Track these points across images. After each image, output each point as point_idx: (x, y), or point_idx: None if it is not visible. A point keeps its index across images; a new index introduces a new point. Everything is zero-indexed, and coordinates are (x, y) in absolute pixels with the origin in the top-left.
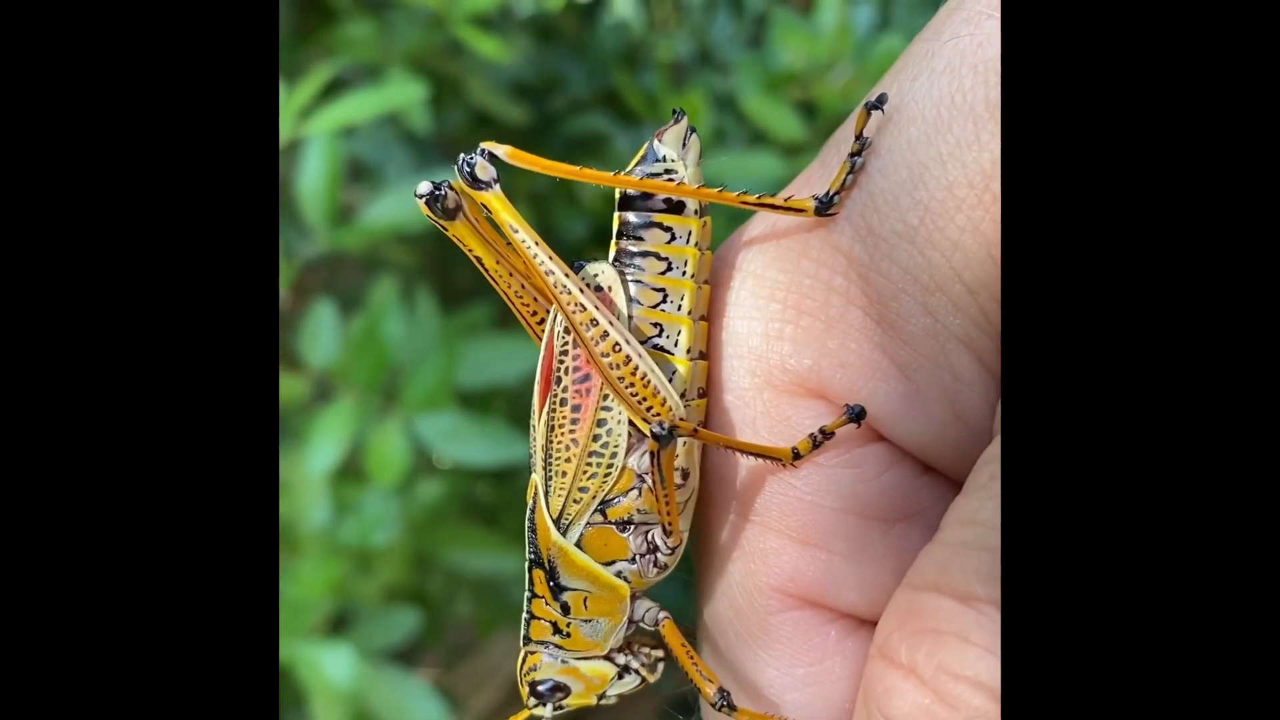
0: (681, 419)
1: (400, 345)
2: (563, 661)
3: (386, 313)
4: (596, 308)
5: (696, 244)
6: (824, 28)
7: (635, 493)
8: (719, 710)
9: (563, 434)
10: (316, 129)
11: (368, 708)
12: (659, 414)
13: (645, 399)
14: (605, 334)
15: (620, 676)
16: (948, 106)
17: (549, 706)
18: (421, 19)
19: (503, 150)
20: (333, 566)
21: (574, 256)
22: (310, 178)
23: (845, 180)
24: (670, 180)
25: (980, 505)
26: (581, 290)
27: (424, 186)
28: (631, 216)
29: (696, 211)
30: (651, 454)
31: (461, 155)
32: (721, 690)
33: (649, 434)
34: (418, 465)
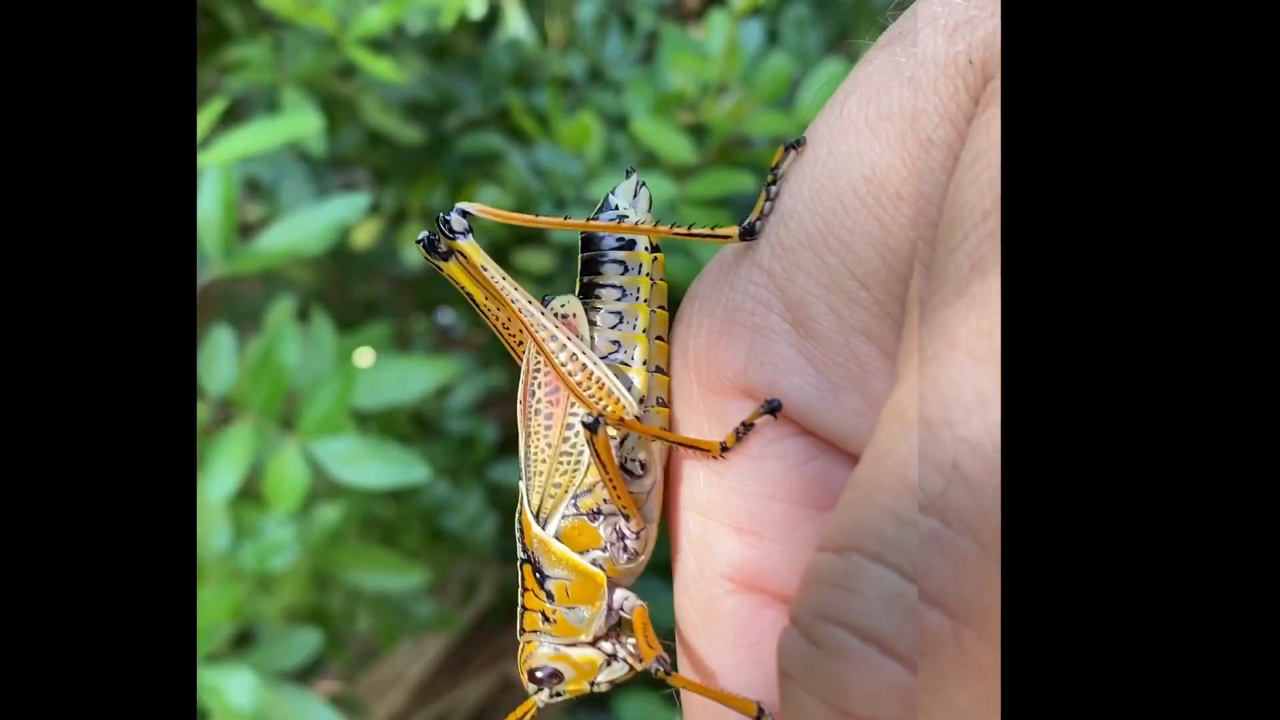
0: (635, 415)
1: (297, 368)
2: (554, 649)
3: (283, 336)
4: (556, 325)
5: (648, 274)
6: (713, 49)
7: (600, 485)
8: (655, 675)
9: (538, 439)
10: (213, 160)
11: None
12: (614, 411)
13: (601, 399)
14: (564, 346)
15: (609, 663)
16: (838, 129)
17: (546, 691)
18: (315, 41)
19: (474, 207)
20: (233, 591)
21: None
22: (207, 207)
23: (764, 208)
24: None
25: (857, 469)
26: (541, 312)
27: (422, 235)
28: (591, 256)
29: (646, 247)
30: (588, 442)
31: (439, 214)
32: (659, 658)
33: (581, 424)
34: (316, 487)
